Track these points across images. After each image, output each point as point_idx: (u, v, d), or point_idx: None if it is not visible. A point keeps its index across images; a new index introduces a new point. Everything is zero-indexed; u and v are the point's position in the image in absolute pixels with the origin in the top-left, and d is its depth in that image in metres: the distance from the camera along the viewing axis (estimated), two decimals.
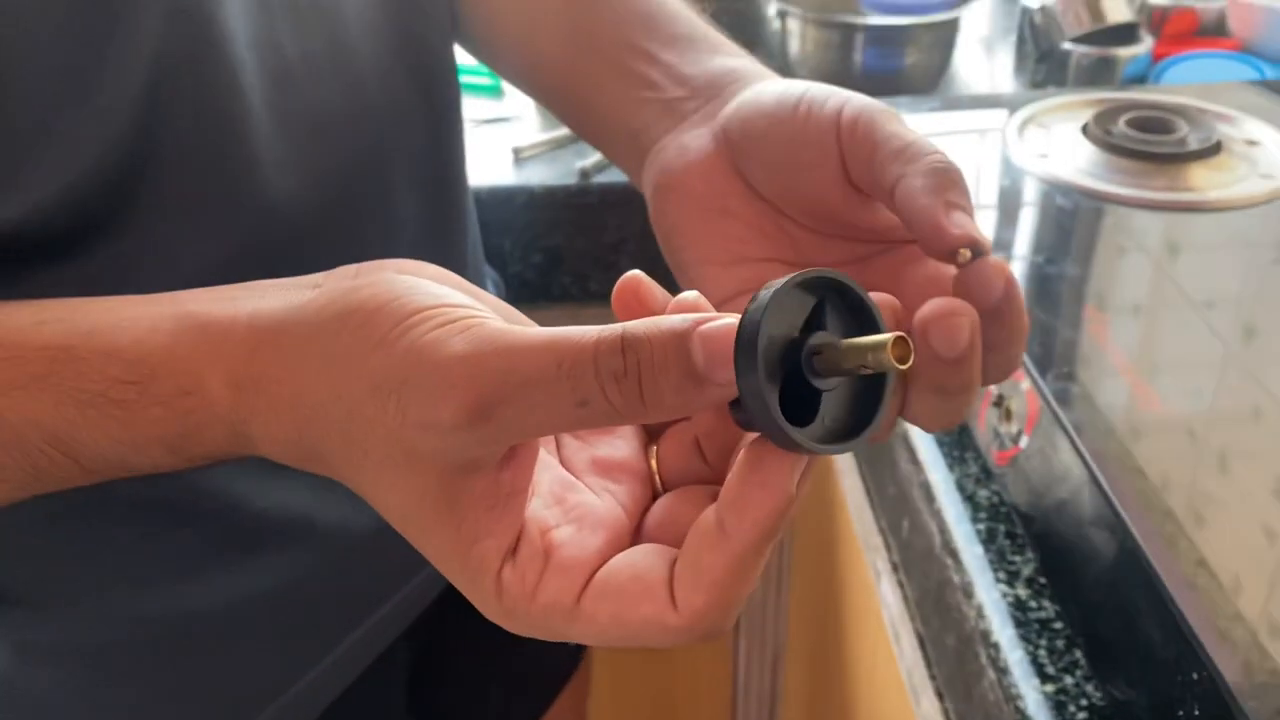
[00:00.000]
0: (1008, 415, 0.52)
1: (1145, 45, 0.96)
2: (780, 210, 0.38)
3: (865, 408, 0.26)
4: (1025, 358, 0.51)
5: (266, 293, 0.31)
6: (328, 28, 0.43)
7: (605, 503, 0.30)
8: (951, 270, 0.31)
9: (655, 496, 0.31)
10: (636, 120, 0.42)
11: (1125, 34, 0.96)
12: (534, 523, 0.29)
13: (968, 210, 0.31)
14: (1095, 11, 0.96)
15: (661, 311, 0.29)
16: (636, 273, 0.30)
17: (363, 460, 0.28)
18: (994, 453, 0.53)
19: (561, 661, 0.75)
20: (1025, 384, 0.51)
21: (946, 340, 0.28)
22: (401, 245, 0.49)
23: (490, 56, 0.53)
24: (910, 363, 0.24)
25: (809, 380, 0.25)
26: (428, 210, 0.50)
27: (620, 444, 0.32)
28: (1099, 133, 0.68)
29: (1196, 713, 0.37)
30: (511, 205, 0.87)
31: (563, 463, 0.32)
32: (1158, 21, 1.08)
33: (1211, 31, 1.06)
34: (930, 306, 0.28)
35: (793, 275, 0.25)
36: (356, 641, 0.54)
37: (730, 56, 0.42)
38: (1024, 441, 0.51)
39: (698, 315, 0.25)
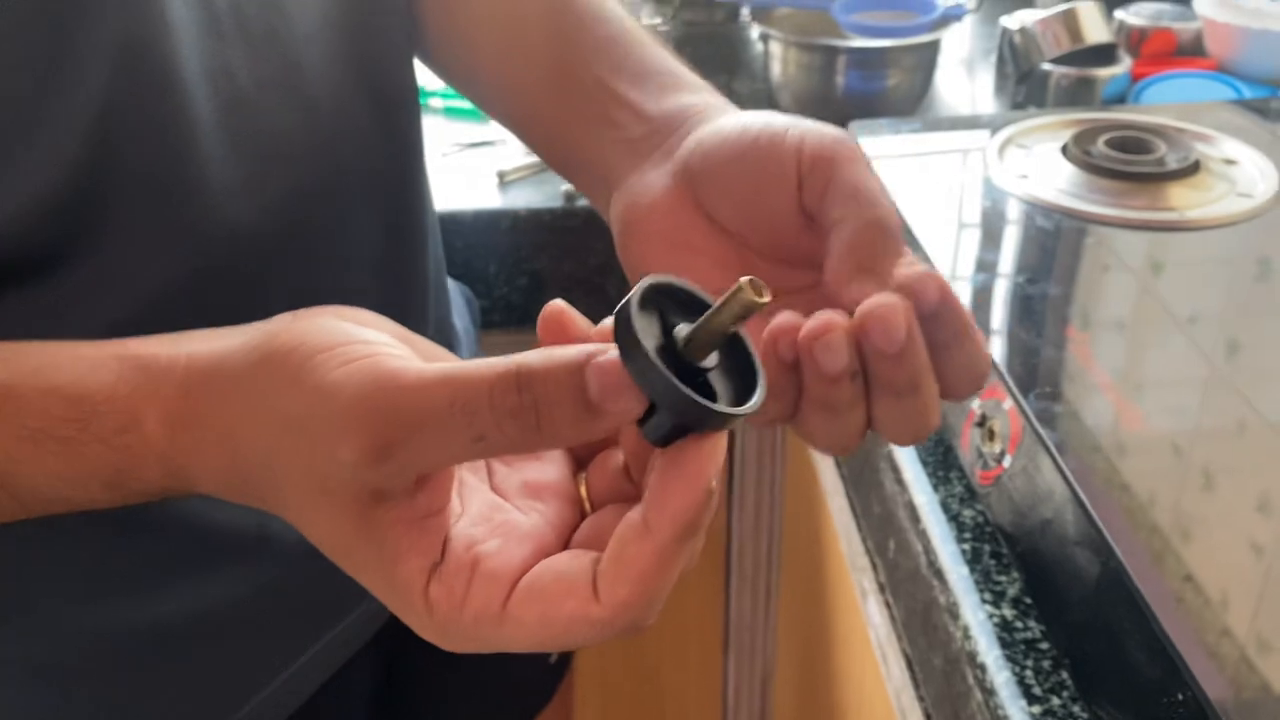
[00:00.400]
0: (991, 435, 0.52)
1: (1124, 65, 0.97)
2: (741, 241, 0.38)
3: (747, 374, 0.28)
4: (1007, 377, 0.51)
5: (208, 337, 0.32)
6: (281, 53, 0.43)
7: (532, 519, 0.31)
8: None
9: (583, 518, 0.32)
10: (603, 161, 0.43)
11: (1104, 55, 0.97)
12: (460, 539, 0.29)
13: (882, 272, 0.32)
14: (1074, 33, 0.97)
15: (584, 340, 0.30)
16: (559, 303, 0.31)
17: (288, 494, 0.29)
18: (978, 472, 0.54)
19: (542, 680, 0.74)
20: (1008, 403, 0.51)
21: (883, 334, 0.29)
22: (360, 267, 0.49)
23: (463, 84, 0.53)
24: (767, 296, 0.25)
25: (695, 365, 0.27)
26: (386, 231, 0.50)
27: (549, 468, 0.33)
28: (1078, 153, 0.69)
29: None
30: (496, 229, 0.87)
31: (493, 487, 0.32)
32: (1136, 42, 1.09)
33: (1189, 52, 1.07)
34: (866, 304, 0.30)
35: (629, 296, 0.26)
36: (315, 655, 0.54)
37: (692, 93, 0.43)
38: (1007, 461, 0.51)
39: (590, 347, 0.26)
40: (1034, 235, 0.64)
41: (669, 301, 0.28)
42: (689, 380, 0.26)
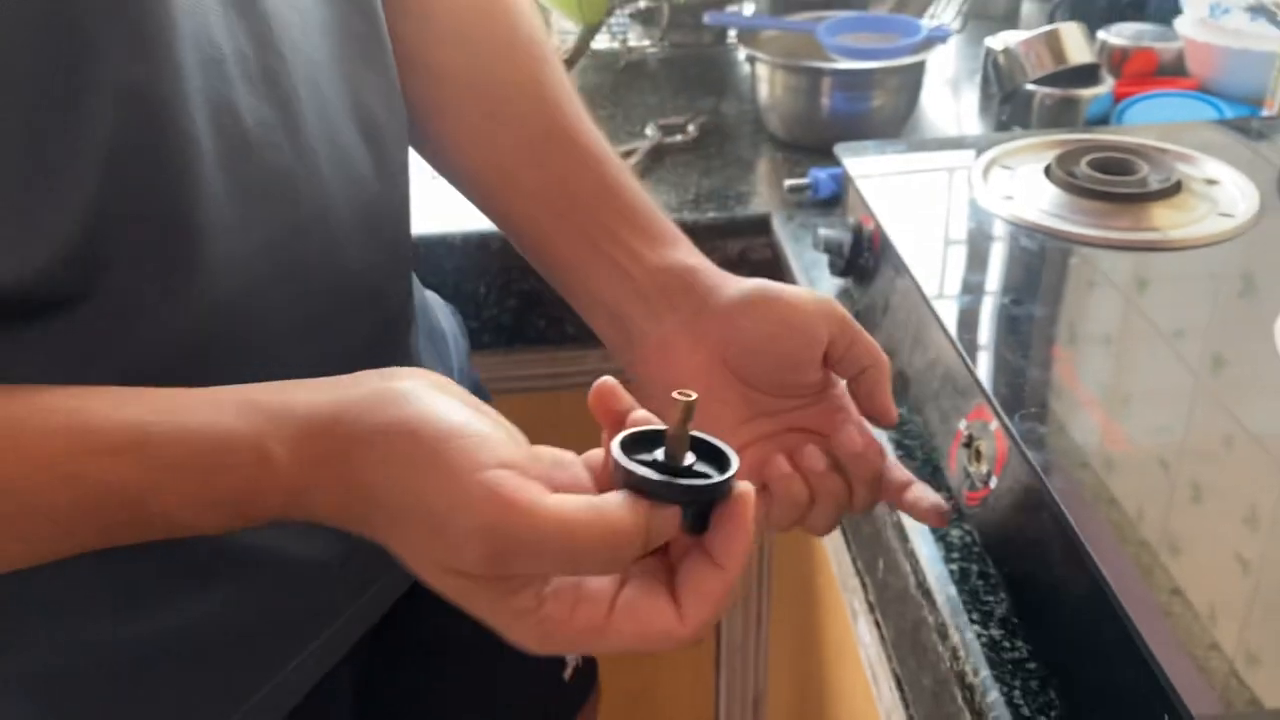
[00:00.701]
0: (977, 456, 0.53)
1: (1107, 85, 0.98)
2: (753, 386, 0.51)
3: (719, 454, 0.39)
4: (993, 398, 0.51)
5: (310, 389, 0.39)
6: (279, 95, 0.45)
7: None
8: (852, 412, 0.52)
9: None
10: (615, 301, 0.53)
11: (1087, 75, 0.98)
12: None
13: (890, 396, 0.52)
14: (1057, 53, 0.98)
15: (629, 412, 0.40)
16: (609, 381, 0.40)
17: (405, 539, 0.37)
18: (965, 493, 0.54)
19: (546, 698, 0.75)
20: (994, 424, 0.51)
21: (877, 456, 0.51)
22: (351, 296, 0.50)
23: (462, 189, 0.59)
24: (692, 395, 0.36)
25: (682, 467, 0.37)
26: (375, 261, 0.52)
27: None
28: (1061, 174, 0.69)
29: None
30: (486, 250, 0.88)
31: None
32: (1118, 62, 1.10)
33: (1171, 71, 1.08)
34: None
35: (620, 452, 0.37)
36: (300, 664, 0.55)
37: (688, 253, 0.54)
38: (994, 482, 0.51)
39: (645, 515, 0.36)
40: (1019, 256, 0.64)
41: (638, 441, 0.38)
42: (686, 478, 0.37)
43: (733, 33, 1.24)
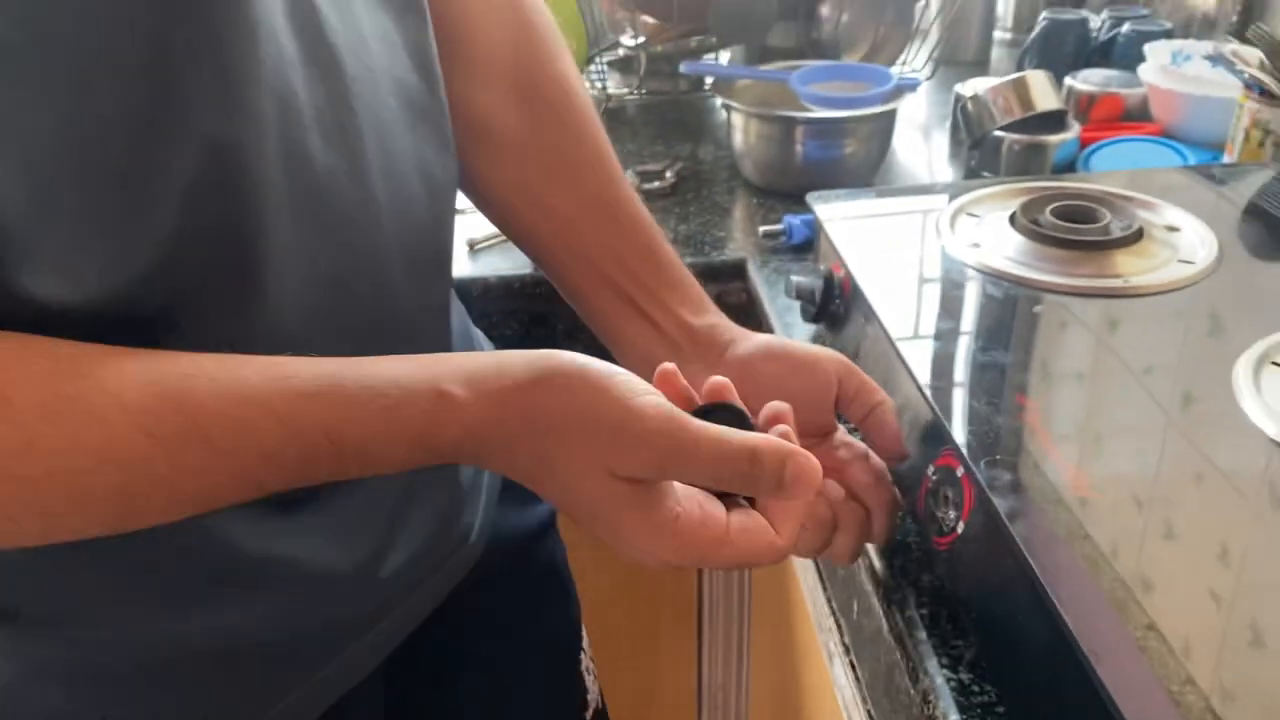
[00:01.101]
0: (945, 501, 0.54)
1: (1074, 131, 1.00)
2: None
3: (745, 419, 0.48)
4: (960, 446, 0.53)
5: (472, 355, 0.45)
6: (347, 144, 0.48)
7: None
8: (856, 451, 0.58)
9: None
10: (647, 350, 0.62)
11: (1054, 121, 1.00)
12: (683, 489, 0.45)
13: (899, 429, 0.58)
14: (1024, 100, 1.01)
15: (685, 392, 0.49)
16: (669, 366, 0.49)
17: (577, 452, 0.43)
18: (933, 538, 0.55)
19: None
20: (960, 470, 0.53)
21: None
22: (395, 334, 0.53)
23: (505, 231, 0.67)
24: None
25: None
26: (421, 302, 0.55)
27: None
28: (1026, 222, 0.71)
29: None
30: (468, 296, 0.89)
31: None
32: (1085, 107, 1.13)
33: (1136, 116, 1.11)
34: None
35: (704, 408, 0.48)
36: (328, 675, 0.58)
37: (715, 314, 0.63)
38: (961, 527, 0.52)
39: (781, 446, 0.44)
40: (985, 303, 0.66)
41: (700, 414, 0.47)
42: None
43: (709, 81, 1.27)
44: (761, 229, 0.92)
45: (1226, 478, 0.51)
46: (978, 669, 0.50)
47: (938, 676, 0.50)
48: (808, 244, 0.90)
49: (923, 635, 0.53)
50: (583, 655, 0.77)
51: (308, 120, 0.46)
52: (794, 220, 0.91)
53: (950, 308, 0.66)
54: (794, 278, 0.76)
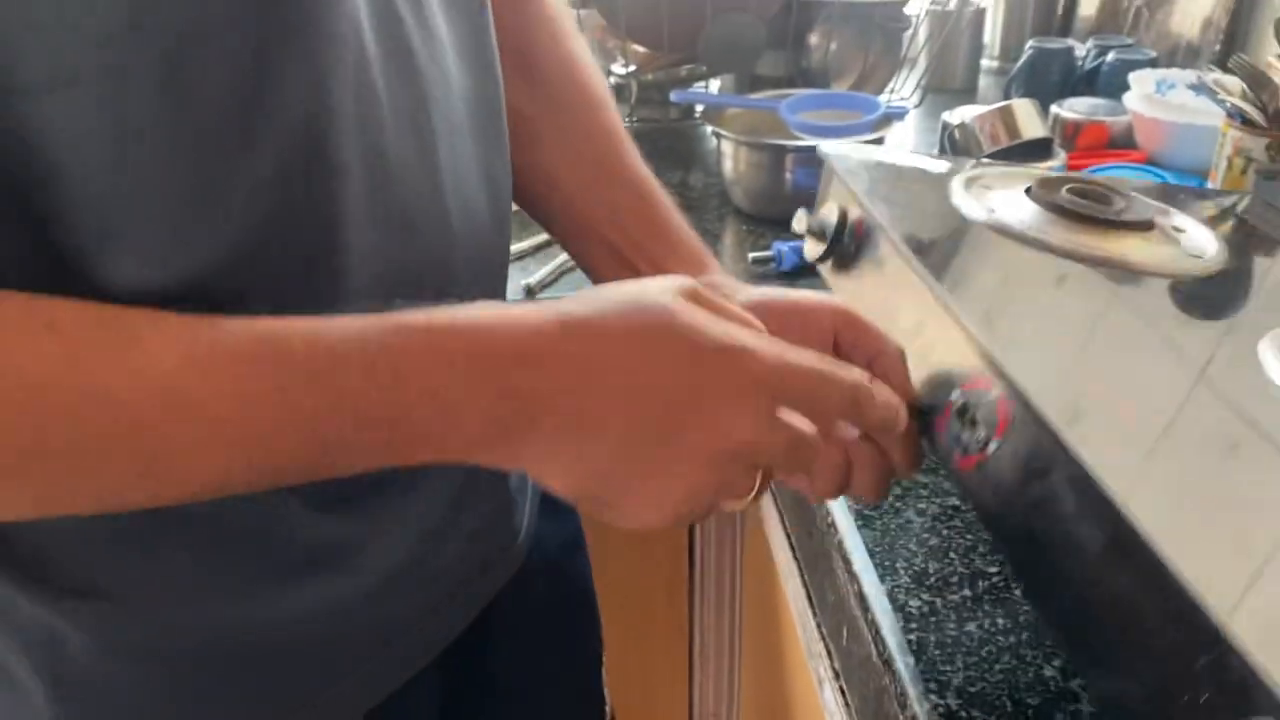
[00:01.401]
0: (972, 424, 0.52)
1: (1059, 159, 1.01)
2: None
3: None
4: (1001, 364, 0.49)
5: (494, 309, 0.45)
6: (421, 141, 0.50)
7: None
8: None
9: None
10: None
11: (1040, 149, 1.02)
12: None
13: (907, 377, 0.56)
14: (1011, 128, 1.02)
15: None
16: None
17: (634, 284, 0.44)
18: (957, 458, 0.52)
19: None
20: (994, 393, 0.50)
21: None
22: None
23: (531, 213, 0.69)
24: None
25: None
26: (483, 293, 0.56)
27: None
28: (1042, 194, 0.70)
29: None
30: None
31: None
32: (1071, 135, 1.14)
33: (1121, 144, 1.12)
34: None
35: None
36: (372, 671, 0.59)
37: (711, 271, 0.64)
38: (993, 446, 0.50)
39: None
40: (1004, 260, 0.63)
41: None
42: None
43: (699, 109, 1.28)
44: (751, 255, 0.93)
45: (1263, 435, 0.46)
46: (964, 695, 0.51)
47: (925, 703, 0.50)
48: (797, 270, 0.90)
49: (911, 660, 0.53)
50: (603, 670, 0.80)
51: (385, 117, 0.47)
52: (783, 247, 0.91)
53: (966, 259, 0.64)
54: (803, 211, 0.74)
